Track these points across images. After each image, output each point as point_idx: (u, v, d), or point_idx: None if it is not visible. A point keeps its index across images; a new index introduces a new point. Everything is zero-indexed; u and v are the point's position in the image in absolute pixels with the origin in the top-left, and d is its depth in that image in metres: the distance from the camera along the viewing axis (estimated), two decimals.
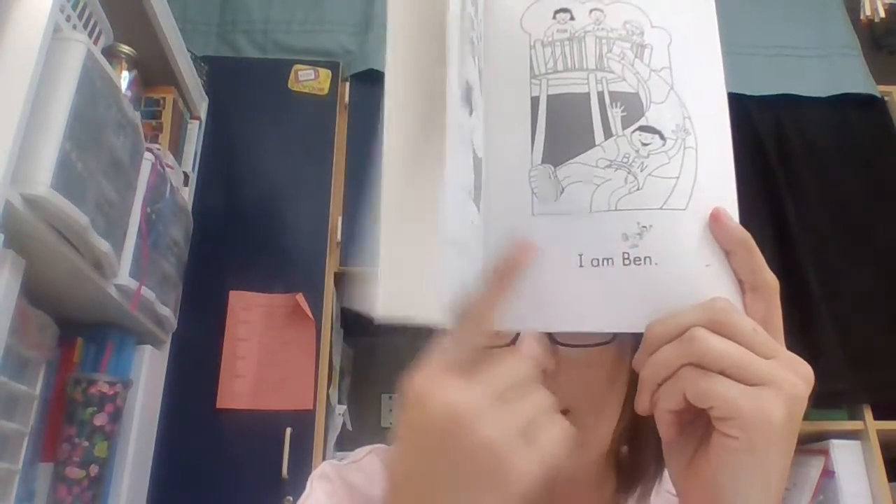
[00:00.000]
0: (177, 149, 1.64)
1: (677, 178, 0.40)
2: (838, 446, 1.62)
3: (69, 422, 1.17)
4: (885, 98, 2.08)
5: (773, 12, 2.19)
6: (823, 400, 1.67)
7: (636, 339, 0.44)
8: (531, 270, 0.40)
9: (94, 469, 1.17)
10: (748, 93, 2.03)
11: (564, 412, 0.48)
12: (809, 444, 1.68)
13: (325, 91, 1.92)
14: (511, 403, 0.37)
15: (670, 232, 0.39)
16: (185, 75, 1.63)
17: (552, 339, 0.47)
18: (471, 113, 0.40)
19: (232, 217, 1.76)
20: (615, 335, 0.47)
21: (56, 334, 1.15)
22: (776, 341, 0.39)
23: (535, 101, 0.42)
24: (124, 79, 1.39)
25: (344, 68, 1.97)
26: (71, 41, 1.01)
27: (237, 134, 1.85)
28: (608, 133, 0.41)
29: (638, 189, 0.40)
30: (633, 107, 0.41)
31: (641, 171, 0.40)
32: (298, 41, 2.03)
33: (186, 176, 1.68)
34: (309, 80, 1.93)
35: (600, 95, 0.41)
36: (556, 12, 0.43)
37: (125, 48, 1.39)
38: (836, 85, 2.05)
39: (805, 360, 0.39)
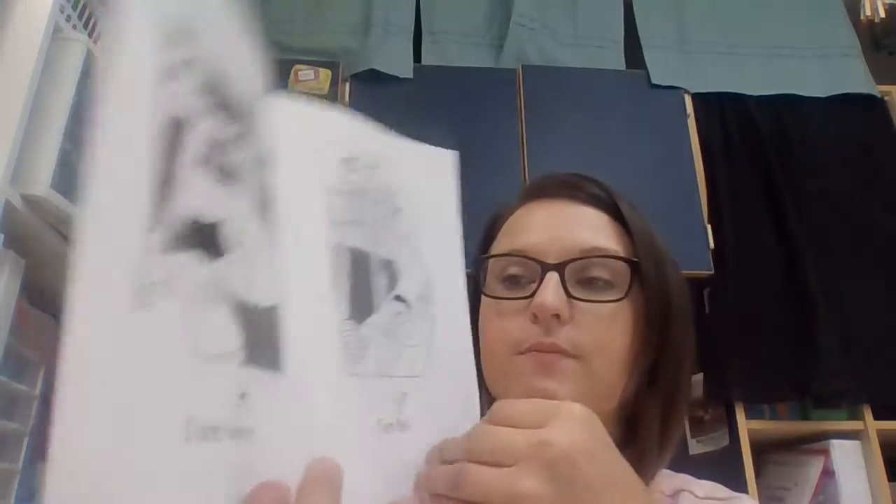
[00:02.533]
0: None
1: (418, 346, 0.42)
2: (838, 446, 1.61)
3: None
4: (885, 98, 2.08)
5: (773, 12, 2.19)
6: (823, 400, 1.68)
7: (646, 294, 0.57)
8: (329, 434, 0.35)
9: None
10: (748, 93, 2.03)
11: (575, 357, 0.55)
12: (809, 444, 1.68)
13: (325, 91, 1.91)
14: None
15: (422, 398, 0.41)
16: None
17: (567, 292, 0.55)
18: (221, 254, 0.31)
19: None
20: (626, 294, 0.56)
21: (56, 334, 1.15)
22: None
23: (336, 250, 0.39)
24: None
25: (344, 68, 1.96)
26: (71, 41, 1.01)
27: None
28: (378, 299, 0.41)
29: (399, 357, 0.41)
30: (391, 274, 0.41)
31: (397, 339, 0.41)
32: (298, 41, 2.02)
33: None
34: (309, 79, 1.92)
35: (374, 258, 0.41)
36: (342, 160, 0.41)
37: None
38: (836, 85, 2.05)
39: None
